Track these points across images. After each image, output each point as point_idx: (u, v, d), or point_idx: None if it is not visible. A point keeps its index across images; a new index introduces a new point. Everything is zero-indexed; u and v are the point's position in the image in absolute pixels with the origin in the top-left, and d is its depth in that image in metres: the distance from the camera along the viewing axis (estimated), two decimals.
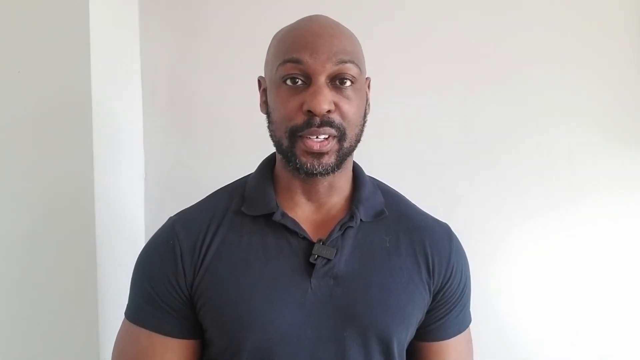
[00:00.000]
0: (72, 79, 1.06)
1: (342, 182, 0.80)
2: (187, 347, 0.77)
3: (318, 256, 0.75)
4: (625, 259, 1.17)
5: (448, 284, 0.81)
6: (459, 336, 0.83)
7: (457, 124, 1.20)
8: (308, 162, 0.72)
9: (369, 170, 0.87)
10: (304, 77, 0.71)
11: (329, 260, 0.75)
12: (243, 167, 0.89)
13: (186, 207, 0.83)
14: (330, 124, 0.71)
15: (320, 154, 0.72)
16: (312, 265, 0.75)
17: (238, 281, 0.74)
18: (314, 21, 0.75)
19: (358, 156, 0.81)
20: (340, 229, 0.77)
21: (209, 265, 0.76)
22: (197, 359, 0.79)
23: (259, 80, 0.82)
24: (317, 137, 0.71)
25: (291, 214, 0.78)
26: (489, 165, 1.20)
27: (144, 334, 0.76)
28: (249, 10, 1.22)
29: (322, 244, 0.76)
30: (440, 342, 0.82)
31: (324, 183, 0.77)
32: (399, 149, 1.21)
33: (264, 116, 0.80)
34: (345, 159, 0.76)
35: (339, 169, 0.75)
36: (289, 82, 0.72)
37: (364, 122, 0.77)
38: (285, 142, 0.74)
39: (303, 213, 0.79)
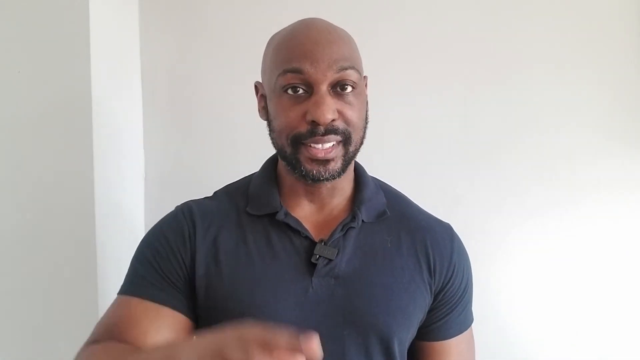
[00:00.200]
0: (72, 79, 1.06)
1: (344, 183, 0.80)
2: (180, 321, 0.75)
3: (320, 256, 0.75)
4: (625, 259, 1.17)
5: (449, 284, 0.81)
6: (460, 336, 0.83)
7: (457, 124, 1.20)
8: (314, 169, 0.73)
9: (369, 170, 0.87)
10: (305, 86, 0.71)
11: (330, 260, 0.76)
12: (243, 167, 0.89)
13: (190, 200, 0.83)
14: (334, 131, 0.71)
15: (326, 161, 0.72)
16: (314, 265, 0.75)
17: (241, 276, 0.75)
18: (311, 27, 0.74)
19: (358, 156, 0.81)
20: (342, 230, 0.77)
21: (214, 257, 0.76)
22: (185, 334, 0.76)
23: (255, 86, 0.82)
24: (322, 146, 0.72)
25: (294, 214, 0.78)
26: (489, 165, 1.20)
27: (136, 301, 0.74)
28: (249, 10, 1.22)
29: (324, 244, 0.76)
30: (441, 341, 0.82)
31: (327, 185, 0.77)
32: (399, 149, 1.21)
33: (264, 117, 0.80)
34: (350, 163, 0.77)
35: (344, 173, 0.75)
36: (290, 91, 0.72)
37: (366, 124, 0.78)
38: (288, 150, 0.74)
39: (305, 213, 0.79)
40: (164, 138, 1.25)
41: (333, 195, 0.80)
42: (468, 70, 1.19)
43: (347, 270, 0.76)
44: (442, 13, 1.20)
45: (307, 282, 0.75)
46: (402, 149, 1.21)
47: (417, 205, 0.87)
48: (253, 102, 0.82)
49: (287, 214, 0.77)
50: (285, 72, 0.71)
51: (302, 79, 0.71)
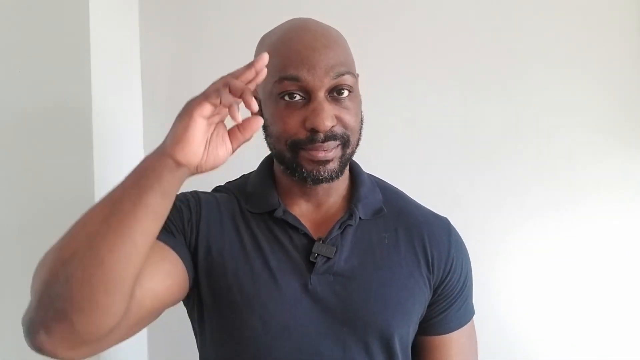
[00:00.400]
0: (72, 79, 1.06)
1: (340, 182, 0.81)
2: (176, 264, 0.73)
3: (318, 255, 0.76)
4: (625, 259, 1.17)
5: (448, 278, 0.82)
6: (461, 330, 0.84)
7: (457, 124, 1.20)
8: (314, 169, 0.73)
9: (368, 170, 0.87)
10: (303, 92, 0.72)
11: (329, 258, 0.76)
12: (242, 166, 0.89)
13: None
14: (333, 137, 0.72)
15: (325, 161, 0.73)
16: (312, 263, 0.76)
17: (241, 269, 0.75)
18: (305, 30, 0.74)
19: (358, 156, 0.81)
20: (339, 228, 0.78)
21: (216, 243, 0.77)
22: (177, 292, 0.74)
23: None
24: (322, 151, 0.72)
25: (292, 212, 0.79)
26: (489, 165, 1.20)
27: None
28: (249, 10, 1.22)
29: (322, 242, 0.77)
30: (442, 336, 0.83)
31: (323, 186, 0.78)
32: (399, 149, 1.21)
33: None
34: (347, 164, 0.77)
35: (342, 174, 0.76)
36: (286, 97, 0.72)
37: (362, 125, 0.78)
38: (287, 155, 0.74)
39: (303, 212, 0.80)
40: (163, 138, 1.25)
41: (329, 194, 0.80)
42: (468, 70, 1.19)
43: (346, 267, 0.77)
44: (442, 13, 1.20)
45: (305, 279, 0.76)
46: (402, 149, 1.21)
47: (414, 201, 0.88)
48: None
49: (285, 211, 0.78)
50: (282, 79, 0.71)
51: (300, 86, 0.71)
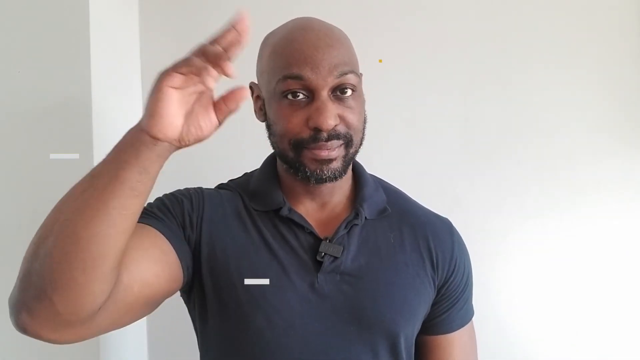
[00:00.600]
0: (72, 79, 1.06)
1: (343, 181, 0.80)
2: (168, 253, 0.71)
3: (325, 254, 0.76)
4: (625, 259, 1.17)
5: (452, 278, 0.82)
6: (462, 329, 0.84)
7: (457, 124, 1.20)
8: (317, 169, 0.73)
9: (368, 170, 0.87)
10: (306, 91, 0.71)
11: (335, 258, 0.76)
12: (243, 166, 0.89)
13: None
14: (337, 136, 0.72)
15: (328, 160, 0.73)
16: (319, 262, 0.76)
17: (246, 267, 0.75)
18: (308, 29, 0.74)
19: (358, 156, 0.81)
20: (345, 227, 0.78)
21: (220, 240, 0.76)
22: (167, 282, 0.71)
23: (250, 87, 0.81)
24: (326, 152, 0.72)
25: (297, 211, 0.79)
26: (489, 165, 1.20)
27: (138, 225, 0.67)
28: (249, 10, 1.22)
29: (329, 241, 0.77)
30: (444, 335, 0.83)
31: (327, 185, 0.78)
32: (399, 149, 1.21)
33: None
34: (350, 164, 0.77)
35: (345, 173, 0.76)
36: (290, 96, 0.72)
37: (365, 125, 0.78)
38: (290, 154, 0.74)
39: (308, 211, 0.80)
40: None
41: (333, 194, 0.80)
42: (468, 70, 1.19)
43: (353, 267, 0.77)
44: (443, 13, 1.20)
45: (312, 278, 0.75)
46: (402, 149, 1.21)
47: (416, 201, 0.88)
48: (251, 101, 0.82)
49: (291, 209, 0.78)
50: (285, 78, 0.71)
51: (303, 84, 0.71)
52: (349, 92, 0.73)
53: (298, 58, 0.71)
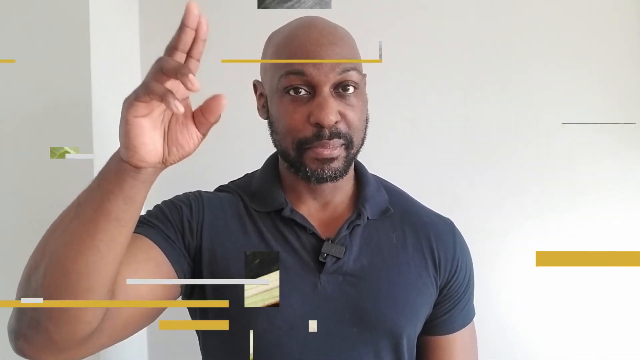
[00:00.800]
0: (72, 79, 1.06)
1: (345, 181, 0.80)
2: (161, 266, 0.70)
3: (327, 254, 0.75)
4: None
5: (454, 279, 0.82)
6: (464, 329, 0.84)
7: (457, 124, 1.20)
8: (318, 168, 0.73)
9: (369, 170, 0.87)
10: (308, 87, 0.71)
11: (338, 258, 0.76)
12: (243, 166, 0.89)
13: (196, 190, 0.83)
14: (338, 135, 0.72)
15: (330, 159, 0.73)
16: (321, 263, 0.76)
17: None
18: (311, 27, 0.74)
19: (358, 156, 0.81)
20: (348, 228, 0.78)
21: (220, 245, 0.76)
22: (162, 296, 0.70)
23: (254, 85, 0.82)
24: (329, 150, 0.72)
25: (299, 211, 0.79)
26: (489, 165, 1.20)
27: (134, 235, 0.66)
28: (249, 10, 1.22)
29: (331, 242, 0.76)
30: (446, 335, 0.83)
31: (329, 185, 0.77)
32: (399, 149, 1.21)
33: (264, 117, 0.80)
34: (351, 164, 0.77)
35: (346, 173, 0.76)
36: (292, 92, 0.72)
37: (367, 124, 0.78)
38: (292, 153, 0.74)
39: (310, 211, 0.80)
40: None
41: (335, 194, 0.80)
42: (468, 70, 1.19)
43: (355, 268, 0.77)
44: (443, 13, 1.20)
45: (315, 279, 0.75)
46: (402, 149, 1.21)
47: (418, 201, 0.88)
48: (252, 102, 0.82)
49: (292, 210, 0.78)
50: (288, 73, 0.71)
51: (305, 80, 0.71)
52: (351, 89, 0.73)
53: (300, 54, 0.71)
